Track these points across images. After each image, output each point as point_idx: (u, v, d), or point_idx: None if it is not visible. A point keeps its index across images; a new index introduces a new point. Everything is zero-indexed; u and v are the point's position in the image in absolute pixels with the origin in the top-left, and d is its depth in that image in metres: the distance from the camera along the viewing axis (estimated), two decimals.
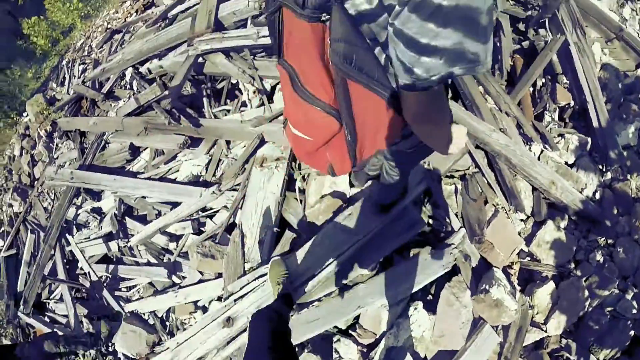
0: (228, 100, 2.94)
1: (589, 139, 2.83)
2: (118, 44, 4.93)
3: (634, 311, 2.36)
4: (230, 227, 2.49)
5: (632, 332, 2.35)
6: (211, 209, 2.59)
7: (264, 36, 2.83)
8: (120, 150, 3.34)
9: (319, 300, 2.26)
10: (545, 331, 2.35)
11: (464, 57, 0.70)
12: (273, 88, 2.76)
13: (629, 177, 2.81)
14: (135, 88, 3.58)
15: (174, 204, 2.76)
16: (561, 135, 2.80)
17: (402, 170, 1.41)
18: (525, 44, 3.07)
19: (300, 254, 2.21)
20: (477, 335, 2.23)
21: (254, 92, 2.67)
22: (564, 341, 2.37)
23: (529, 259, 2.51)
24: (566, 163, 2.73)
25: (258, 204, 2.40)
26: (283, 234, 2.37)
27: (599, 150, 2.85)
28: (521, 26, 3.21)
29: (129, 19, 5.33)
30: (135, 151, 3.29)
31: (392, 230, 2.20)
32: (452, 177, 2.47)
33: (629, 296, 2.41)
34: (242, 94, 2.82)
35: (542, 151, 2.68)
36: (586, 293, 2.36)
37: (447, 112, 0.89)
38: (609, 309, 2.41)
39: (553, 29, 3.10)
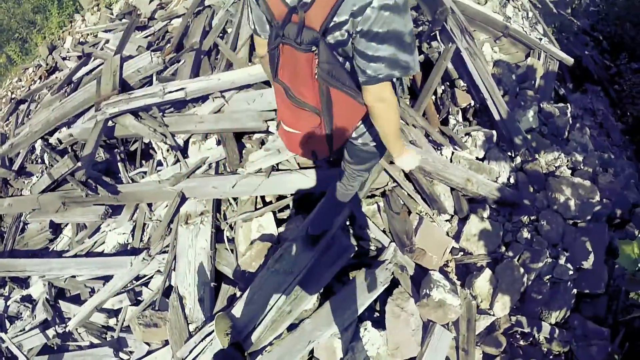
0: (144, 162, 2.92)
1: (494, 132, 3.10)
2: (24, 114, 4.71)
3: (571, 272, 2.57)
4: (168, 291, 2.45)
5: (574, 291, 2.56)
6: (145, 276, 2.53)
7: (170, 92, 2.85)
8: (40, 230, 3.18)
9: (270, 344, 2.27)
10: (493, 314, 2.51)
11: (399, 64, 1.17)
12: (186, 143, 2.78)
13: (537, 156, 3.09)
14: (47, 162, 3.45)
15: (106, 278, 2.67)
16: (468, 134, 3.05)
17: (361, 169, 1.84)
18: (421, 58, 3.32)
19: (241, 304, 2.22)
20: (430, 337, 2.33)
21: (168, 150, 2.68)
22: (513, 318, 2.54)
23: (462, 254, 2.68)
24: (477, 158, 2.97)
25: (190, 262, 2.39)
26: (221, 288, 2.37)
27: (504, 139, 3.12)
28: None
29: (33, 87, 5.12)
30: (56, 229, 3.15)
31: (325, 261, 2.27)
32: (373, 196, 2.61)
33: (562, 261, 2.61)
34: (156, 153, 2.80)
35: (453, 153, 2.90)
36: (522, 270, 2.54)
37: (394, 102, 1.31)
38: (547, 277, 2.60)
39: (444, 39, 3.39)
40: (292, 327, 2.27)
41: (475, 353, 2.42)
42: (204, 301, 2.33)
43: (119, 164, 2.90)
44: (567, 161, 3.10)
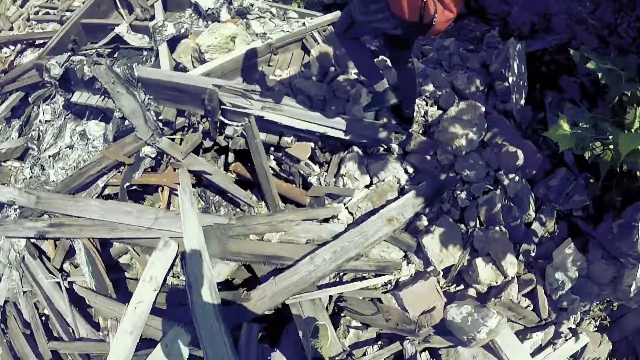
0: None
1: (354, 148, 2.91)
2: None
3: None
4: None
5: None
6: None
7: None
8: None
9: None
10: (511, 278, 2.60)
11: None
12: None
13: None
14: None
15: None
16: (336, 175, 2.84)
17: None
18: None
19: None
20: (500, 347, 2.40)
21: None
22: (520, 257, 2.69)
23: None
24: (367, 186, 2.80)
25: None
26: None
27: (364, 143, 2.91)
28: None
29: None
30: None
31: None
32: (337, 326, 2.44)
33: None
34: None
35: (345, 204, 2.71)
36: (503, 229, 2.59)
37: None
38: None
39: (234, 118, 2.97)
40: None
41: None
42: None
43: None
44: None
